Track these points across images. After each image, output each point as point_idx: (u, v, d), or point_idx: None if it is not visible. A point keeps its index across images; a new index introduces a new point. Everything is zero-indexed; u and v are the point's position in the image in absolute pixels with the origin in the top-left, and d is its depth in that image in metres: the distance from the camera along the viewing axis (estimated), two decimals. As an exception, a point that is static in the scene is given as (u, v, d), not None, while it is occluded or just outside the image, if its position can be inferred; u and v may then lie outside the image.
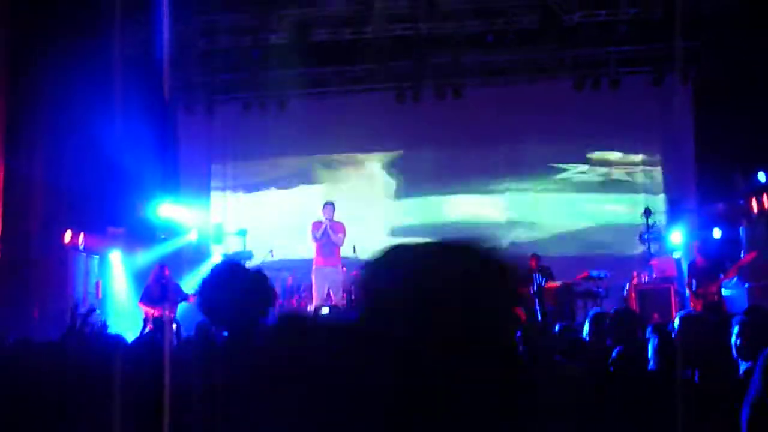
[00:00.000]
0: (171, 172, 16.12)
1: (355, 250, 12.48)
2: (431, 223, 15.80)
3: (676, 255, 13.72)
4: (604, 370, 4.71)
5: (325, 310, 10.47)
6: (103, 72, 13.46)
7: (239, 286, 3.24)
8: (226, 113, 16.16)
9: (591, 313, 6.54)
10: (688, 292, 11.72)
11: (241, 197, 16.39)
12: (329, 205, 12.10)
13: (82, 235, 13.30)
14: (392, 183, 16.13)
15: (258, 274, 3.41)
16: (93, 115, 13.36)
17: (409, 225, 15.82)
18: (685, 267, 12.34)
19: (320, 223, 11.98)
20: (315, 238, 11.99)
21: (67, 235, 13.06)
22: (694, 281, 11.68)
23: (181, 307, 12.39)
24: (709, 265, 11.95)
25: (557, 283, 12.61)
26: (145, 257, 14.08)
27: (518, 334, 4.45)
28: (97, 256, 13.80)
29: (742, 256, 12.94)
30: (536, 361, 4.29)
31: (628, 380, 4.44)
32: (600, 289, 12.70)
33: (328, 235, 11.89)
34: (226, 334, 3.28)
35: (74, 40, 13.09)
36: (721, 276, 11.76)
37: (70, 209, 13.65)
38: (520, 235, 15.34)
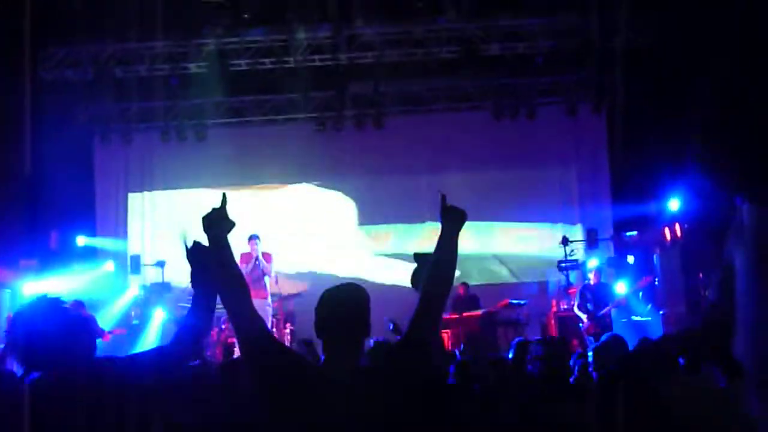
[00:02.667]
0: (87, 201, 15.95)
1: (277, 283, 12.53)
2: (352, 253, 15.95)
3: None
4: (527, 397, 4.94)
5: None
6: (15, 100, 13.30)
7: (56, 327, 3.07)
8: (143, 142, 16.08)
9: (514, 341, 6.78)
10: (583, 315, 12.02)
11: (160, 227, 16.25)
12: (255, 238, 12.13)
13: (-7, 267, 13.04)
14: (313, 213, 16.19)
15: (78, 316, 3.28)
16: (3, 144, 13.17)
17: (330, 256, 15.93)
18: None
19: (249, 254, 12.00)
20: (245, 271, 11.98)
21: (-22, 268, 12.80)
22: (588, 304, 12.02)
23: (99, 343, 12.25)
24: (604, 289, 12.36)
25: (479, 312, 12.88)
26: (60, 289, 13.86)
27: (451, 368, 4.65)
28: (9, 290, 13.53)
29: (656, 282, 13.45)
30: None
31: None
32: (521, 317, 13.01)
33: (258, 267, 11.92)
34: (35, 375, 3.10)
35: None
36: (614, 300, 12.16)
37: (-20, 241, 13.39)
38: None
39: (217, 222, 3.24)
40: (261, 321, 3.03)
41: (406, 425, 2.82)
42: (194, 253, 3.44)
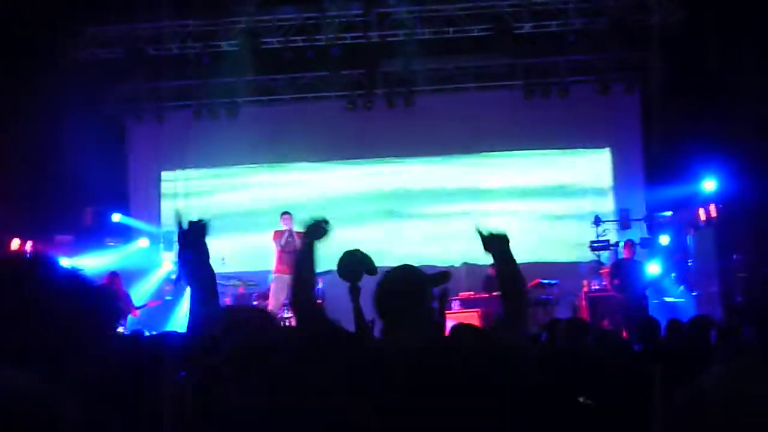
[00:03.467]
0: (120, 179, 16.16)
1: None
2: (382, 236, 16.00)
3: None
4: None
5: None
6: (50, 79, 13.48)
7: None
8: (175, 121, 16.21)
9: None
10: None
11: (193, 204, 16.41)
12: (287, 214, 12.33)
13: (29, 243, 13.27)
14: (343, 191, 16.27)
15: (101, 289, 3.19)
16: (40, 123, 13.38)
17: (360, 234, 16.01)
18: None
19: (282, 231, 12.17)
20: (278, 246, 12.17)
21: (14, 243, 13.03)
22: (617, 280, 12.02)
23: (130, 319, 12.48)
24: (637, 267, 12.35)
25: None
26: (94, 265, 14.09)
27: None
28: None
29: (689, 263, 13.40)
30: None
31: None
32: (551, 297, 13.03)
33: (291, 242, 12.07)
34: None
35: (20, 50, 13.10)
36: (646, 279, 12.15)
37: (16, 217, 13.62)
38: (473, 244, 15.59)
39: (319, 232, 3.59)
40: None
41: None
42: (190, 233, 3.37)
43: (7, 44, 12.95)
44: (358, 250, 3.95)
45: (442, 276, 3.89)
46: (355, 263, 3.87)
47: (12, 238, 13.11)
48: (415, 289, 3.32)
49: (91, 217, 14.97)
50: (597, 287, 13.22)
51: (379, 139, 15.92)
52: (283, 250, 12.17)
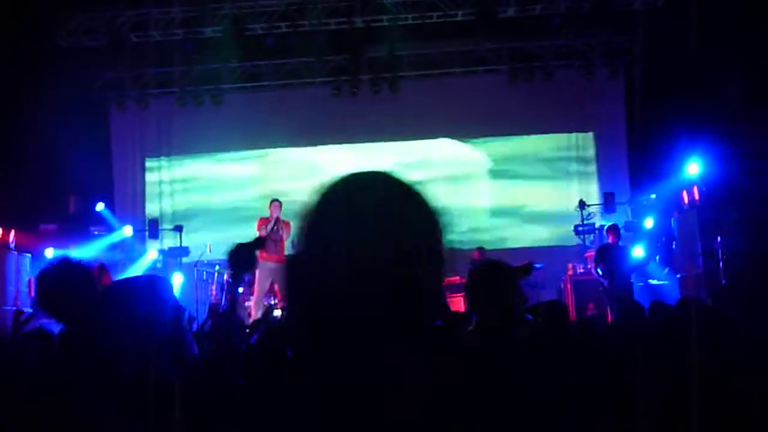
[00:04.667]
0: (104, 167, 16.18)
1: (294, 247, 12.72)
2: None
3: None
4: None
5: (277, 313, 10.75)
6: (33, 67, 13.49)
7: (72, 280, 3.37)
8: (159, 108, 16.25)
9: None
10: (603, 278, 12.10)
11: (177, 192, 16.49)
12: (276, 202, 12.44)
13: (12, 232, 13.28)
14: (328, 177, 16.31)
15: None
16: (23, 111, 13.39)
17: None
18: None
19: (267, 219, 12.29)
20: (263, 234, 12.29)
21: (-2, 233, 13.04)
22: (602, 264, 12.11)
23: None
24: (621, 251, 12.44)
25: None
26: (80, 254, 14.15)
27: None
28: (29, 255, 13.80)
29: (673, 246, 13.56)
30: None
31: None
32: (536, 281, 13.17)
33: (276, 230, 12.18)
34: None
35: (2, 37, 13.09)
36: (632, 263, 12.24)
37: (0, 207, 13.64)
38: (459, 228, 15.73)
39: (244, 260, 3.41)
40: None
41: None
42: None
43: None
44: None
45: (526, 269, 4.21)
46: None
47: (-6, 227, 13.11)
48: (506, 283, 3.51)
49: (74, 205, 15.01)
50: (582, 271, 13.35)
51: (364, 125, 15.99)
52: (267, 238, 12.28)
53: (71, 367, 2.92)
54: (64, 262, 3.45)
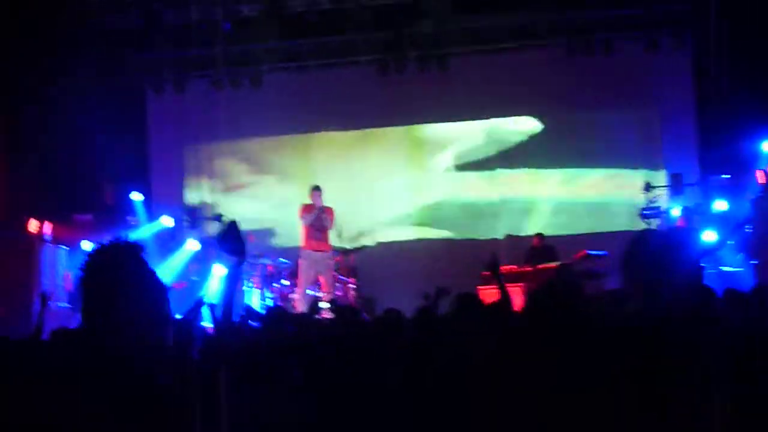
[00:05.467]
0: (141, 155, 15.87)
1: (340, 236, 12.38)
2: (420, 203, 15.63)
3: (679, 230, 13.60)
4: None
5: (323, 305, 10.29)
6: (64, 51, 13.22)
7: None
8: (197, 91, 15.83)
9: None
10: None
11: (217, 180, 16.13)
12: (317, 189, 12.01)
13: (48, 224, 13.04)
14: (376, 161, 15.86)
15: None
16: (55, 98, 13.13)
17: (395, 207, 15.65)
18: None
19: (310, 206, 11.87)
20: (306, 222, 11.87)
21: (32, 225, 12.79)
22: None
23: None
24: (689, 232, 11.81)
25: (554, 264, 12.50)
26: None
27: None
28: (66, 246, 13.51)
29: (748, 230, 12.86)
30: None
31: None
32: (600, 269, 12.56)
33: (320, 218, 11.78)
34: None
35: (34, 21, 12.81)
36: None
37: (33, 197, 13.41)
38: (515, 214, 15.22)
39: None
40: None
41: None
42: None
43: (18, 18, 12.68)
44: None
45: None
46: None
47: (29, 219, 12.86)
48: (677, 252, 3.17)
49: (110, 194, 14.72)
50: (649, 258, 12.70)
51: (411, 105, 15.42)
52: (311, 226, 11.88)
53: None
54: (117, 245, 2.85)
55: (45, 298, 7.30)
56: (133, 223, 14.75)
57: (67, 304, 12.41)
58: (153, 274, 2.86)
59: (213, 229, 14.81)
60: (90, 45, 14.08)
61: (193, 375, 3.35)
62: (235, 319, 5.24)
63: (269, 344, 5.17)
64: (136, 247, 2.83)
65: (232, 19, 14.68)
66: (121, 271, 2.74)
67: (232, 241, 3.52)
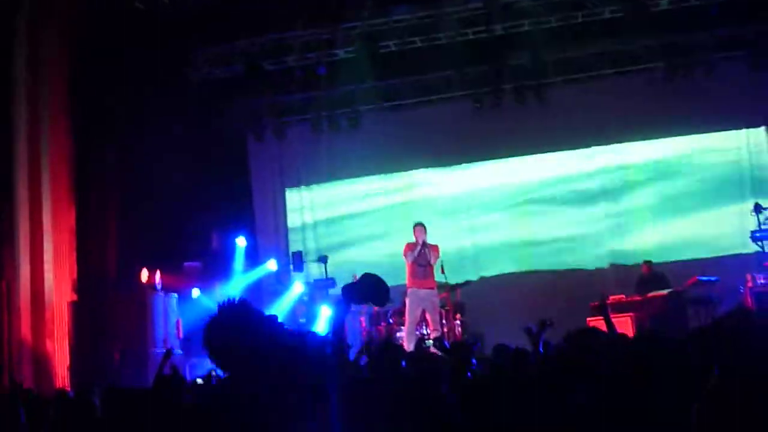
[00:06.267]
0: (245, 200, 16.26)
1: (443, 272, 12.39)
2: (520, 240, 15.59)
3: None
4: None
5: (429, 343, 10.38)
6: (167, 104, 13.69)
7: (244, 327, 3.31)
8: (296, 135, 16.24)
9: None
10: None
11: (320, 221, 16.40)
12: (420, 226, 12.08)
13: (158, 273, 13.43)
14: (476, 196, 15.91)
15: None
16: (158, 150, 13.57)
17: (497, 243, 15.65)
18: None
19: (414, 244, 11.95)
20: (410, 259, 11.96)
21: (143, 274, 13.20)
22: None
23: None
24: None
25: (665, 292, 12.32)
26: (225, 291, 14.19)
27: None
28: (176, 294, 13.91)
29: None
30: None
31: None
32: (712, 295, 12.34)
33: (424, 255, 11.85)
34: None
35: (139, 72, 13.34)
36: None
37: (143, 247, 13.85)
38: (621, 241, 15.07)
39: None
40: None
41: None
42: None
43: (128, 70, 13.23)
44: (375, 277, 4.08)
45: None
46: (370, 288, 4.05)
47: (141, 269, 13.28)
48: None
49: (217, 241, 15.11)
50: (763, 281, 12.41)
51: (510, 138, 15.47)
52: (415, 263, 11.94)
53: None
54: (241, 305, 3.40)
55: (170, 353, 7.59)
56: (240, 269, 15.06)
57: (180, 351, 12.74)
58: (264, 316, 3.38)
59: (318, 270, 15.07)
60: (193, 96, 14.57)
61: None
62: (350, 356, 5.41)
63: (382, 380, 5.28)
64: (245, 304, 3.34)
65: (327, 63, 14.98)
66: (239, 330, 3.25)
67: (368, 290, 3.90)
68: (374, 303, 4.17)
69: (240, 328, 3.26)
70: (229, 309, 3.34)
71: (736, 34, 14.61)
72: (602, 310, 6.65)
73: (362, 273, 4.12)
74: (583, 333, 4.96)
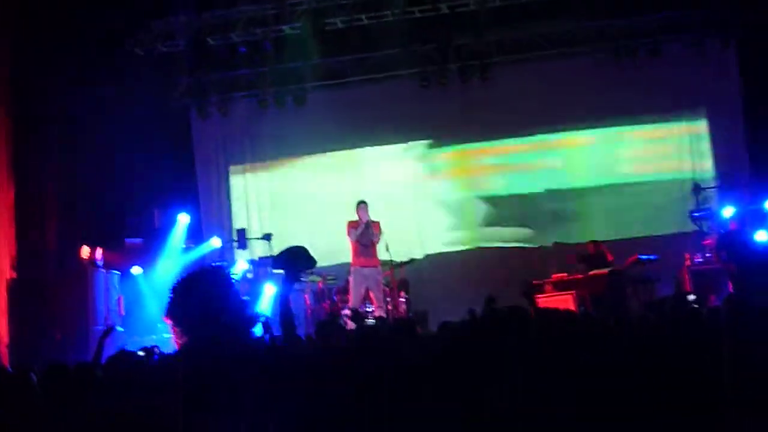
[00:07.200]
0: (188, 177, 16.21)
1: (387, 250, 12.51)
2: (465, 218, 15.78)
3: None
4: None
5: (369, 321, 10.53)
6: (110, 79, 13.60)
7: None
8: (241, 113, 16.22)
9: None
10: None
11: (264, 199, 16.40)
12: (363, 204, 12.19)
13: (99, 249, 13.39)
14: (421, 175, 16.05)
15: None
16: (100, 126, 13.50)
17: (441, 221, 15.82)
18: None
19: (357, 222, 12.04)
20: (354, 238, 12.06)
21: (84, 251, 13.17)
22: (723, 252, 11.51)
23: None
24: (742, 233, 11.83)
25: (605, 270, 12.57)
26: (167, 268, 14.19)
27: None
28: (117, 271, 13.88)
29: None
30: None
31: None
32: (651, 274, 12.64)
33: (367, 233, 11.95)
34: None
35: (78, 47, 13.24)
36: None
37: (84, 224, 13.80)
38: (563, 220, 15.33)
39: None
40: None
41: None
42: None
43: (68, 46, 13.12)
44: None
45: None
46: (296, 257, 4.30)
47: (82, 246, 13.24)
48: None
49: (159, 219, 15.06)
50: (701, 260, 12.76)
51: (456, 117, 15.61)
52: (358, 242, 12.07)
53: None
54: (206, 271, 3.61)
55: (110, 329, 7.65)
56: (183, 246, 15.03)
57: (121, 329, 12.74)
58: (235, 288, 3.51)
59: (262, 249, 15.12)
60: (135, 72, 14.48)
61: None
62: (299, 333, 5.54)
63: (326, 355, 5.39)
64: (223, 270, 3.53)
65: (272, 39, 14.99)
66: (215, 290, 3.39)
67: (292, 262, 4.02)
68: (303, 267, 4.36)
69: (209, 292, 3.40)
70: (204, 272, 3.53)
71: (679, 17, 14.88)
72: (527, 294, 6.88)
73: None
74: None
